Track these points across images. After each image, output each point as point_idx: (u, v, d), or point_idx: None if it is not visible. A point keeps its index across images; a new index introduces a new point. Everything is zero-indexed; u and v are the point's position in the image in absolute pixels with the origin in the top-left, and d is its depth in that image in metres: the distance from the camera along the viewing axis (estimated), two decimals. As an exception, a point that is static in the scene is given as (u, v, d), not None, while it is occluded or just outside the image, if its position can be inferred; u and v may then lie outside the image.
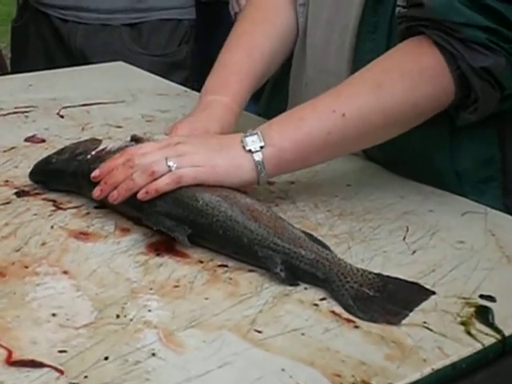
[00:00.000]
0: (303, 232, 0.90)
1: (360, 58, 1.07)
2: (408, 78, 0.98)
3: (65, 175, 1.03)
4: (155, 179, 0.91)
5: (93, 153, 1.02)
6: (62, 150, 1.07)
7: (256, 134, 0.95)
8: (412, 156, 1.08)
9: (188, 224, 0.91)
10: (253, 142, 0.95)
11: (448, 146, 1.06)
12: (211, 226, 0.90)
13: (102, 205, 0.97)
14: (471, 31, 0.94)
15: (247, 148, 0.94)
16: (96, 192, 0.94)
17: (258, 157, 0.94)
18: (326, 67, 1.14)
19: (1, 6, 4.72)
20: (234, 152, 0.95)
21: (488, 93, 0.97)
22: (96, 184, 0.95)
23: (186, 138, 0.99)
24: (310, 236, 0.90)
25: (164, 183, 0.91)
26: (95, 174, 0.95)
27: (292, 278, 0.85)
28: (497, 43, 0.94)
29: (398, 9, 1.03)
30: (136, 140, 1.05)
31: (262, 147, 0.95)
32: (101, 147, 1.03)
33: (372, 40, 1.07)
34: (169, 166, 0.91)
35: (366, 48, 1.07)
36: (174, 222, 0.91)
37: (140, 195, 0.91)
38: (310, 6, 1.19)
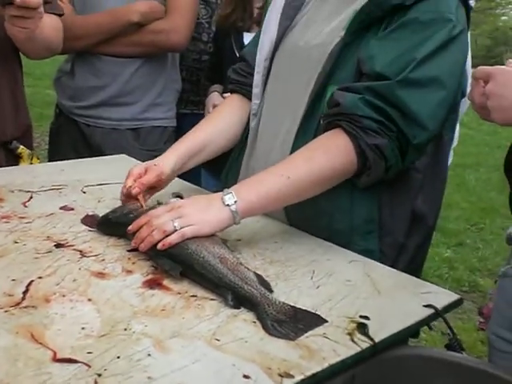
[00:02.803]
0: (254, 273, 0.91)
1: (296, 150, 1.09)
2: (328, 153, 1.03)
3: (116, 226, 1.07)
4: (167, 235, 0.95)
5: (133, 213, 1.07)
6: (115, 210, 1.11)
7: (230, 192, 0.99)
8: (322, 214, 1.11)
9: (180, 264, 0.94)
10: (229, 198, 0.99)
11: (348, 208, 1.10)
12: (194, 266, 0.93)
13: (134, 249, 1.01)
14: (367, 121, 1.01)
15: (226, 203, 0.98)
16: (132, 243, 0.99)
17: (233, 208, 0.98)
18: (271, 158, 1.16)
19: (36, 108, 4.81)
20: (217, 207, 0.99)
21: (377, 162, 1.03)
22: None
23: (184, 202, 1.02)
24: (259, 276, 0.91)
25: (173, 239, 0.95)
26: (129, 228, 1.01)
27: (238, 304, 0.87)
28: (383, 130, 1.01)
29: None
30: (178, 196, 1.14)
31: (235, 201, 0.99)
32: (140, 209, 1.09)
33: (304, 140, 1.09)
34: (174, 226, 0.95)
35: (299, 144, 1.10)
36: (172, 262, 0.94)
37: (159, 247, 0.95)
38: (263, 117, 1.23)
